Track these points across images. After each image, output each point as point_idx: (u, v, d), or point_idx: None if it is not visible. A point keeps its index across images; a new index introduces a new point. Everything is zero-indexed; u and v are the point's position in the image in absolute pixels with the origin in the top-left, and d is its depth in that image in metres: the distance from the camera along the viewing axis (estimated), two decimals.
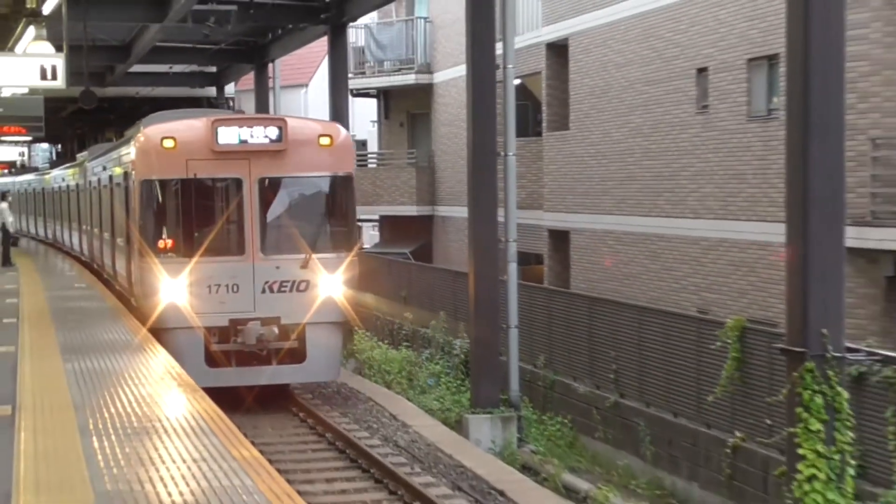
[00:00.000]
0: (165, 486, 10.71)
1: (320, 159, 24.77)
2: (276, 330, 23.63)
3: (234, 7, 36.57)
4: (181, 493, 10.43)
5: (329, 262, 24.51)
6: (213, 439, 12.76)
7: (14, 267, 39.91)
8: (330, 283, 24.32)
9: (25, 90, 28.01)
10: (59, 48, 25.14)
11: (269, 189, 24.60)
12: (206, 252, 23.66)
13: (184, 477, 11.01)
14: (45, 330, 22.09)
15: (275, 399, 26.48)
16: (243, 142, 23.67)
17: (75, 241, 44.29)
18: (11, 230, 46.31)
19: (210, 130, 23.49)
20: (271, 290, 23.95)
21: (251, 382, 24.33)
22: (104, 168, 34.07)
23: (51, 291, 30.78)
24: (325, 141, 24.62)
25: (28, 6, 25.02)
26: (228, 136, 23.47)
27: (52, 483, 10.90)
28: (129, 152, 25.82)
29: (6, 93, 30.06)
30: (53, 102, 36.68)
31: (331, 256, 24.72)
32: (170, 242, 23.96)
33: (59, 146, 64.54)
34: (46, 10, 25.27)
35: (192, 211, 24.08)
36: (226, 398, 20.20)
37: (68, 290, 31.63)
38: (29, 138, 47.27)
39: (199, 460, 11.76)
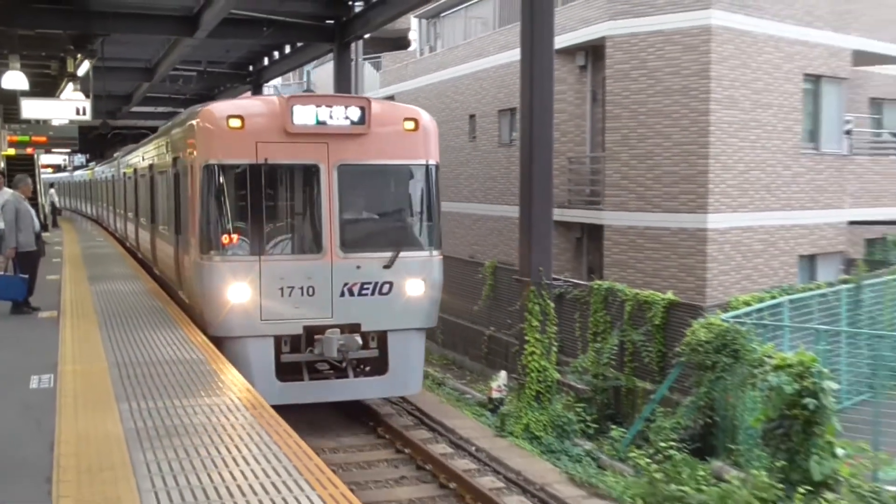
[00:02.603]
0: (152, 356, 10.67)
1: (405, 145, 14.93)
2: (358, 339, 13.92)
3: (194, 73, 36.01)
4: (159, 362, 10.38)
5: (414, 262, 14.62)
6: (179, 330, 12.70)
7: (60, 229, 38.78)
8: (415, 284, 14.53)
9: (66, 121, 27.26)
10: (87, 96, 24.59)
11: (350, 177, 14.38)
12: (277, 249, 14.09)
13: (160, 348, 10.95)
14: (78, 266, 21.60)
15: None
16: (321, 123, 13.89)
17: (110, 218, 36.97)
18: (58, 206, 46.03)
19: (284, 109, 13.72)
20: (351, 293, 14.05)
21: (326, 398, 14.48)
22: (143, 158, 23.25)
23: (83, 244, 30.00)
24: (409, 125, 14.90)
25: (69, 71, 24.62)
26: (305, 115, 13.78)
27: (82, 357, 10.82)
28: (185, 135, 15.48)
29: (56, 123, 29.28)
30: (84, 129, 35.66)
31: (416, 255, 14.74)
32: (235, 237, 13.94)
33: (88, 155, 62.81)
34: (80, 73, 24.78)
35: (262, 201, 13.90)
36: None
37: (94, 243, 30.85)
38: (69, 150, 46.19)
39: (172, 343, 11.69)
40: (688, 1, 23.51)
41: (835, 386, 12.54)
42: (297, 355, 13.92)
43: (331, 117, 13.88)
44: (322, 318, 13.80)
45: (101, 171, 41.42)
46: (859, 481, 12.41)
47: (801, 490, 11.32)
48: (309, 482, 6.48)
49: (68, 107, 23.81)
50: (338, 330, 13.71)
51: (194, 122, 14.37)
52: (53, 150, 40.57)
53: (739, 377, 14.83)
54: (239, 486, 6.40)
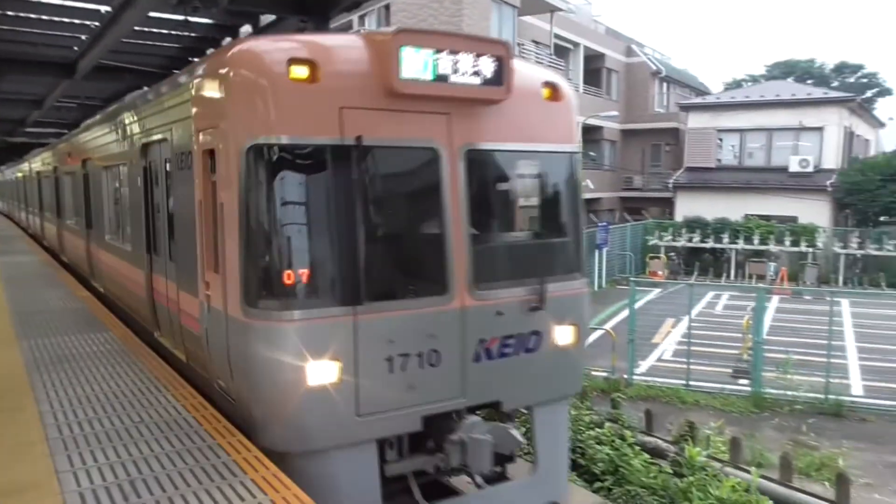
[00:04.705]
0: (44, 306, 9.50)
1: (549, 122, 4.42)
2: (517, 434, 4.61)
3: (74, 104, 32.41)
4: (50, 310, 9.28)
5: (564, 298, 4.81)
6: (66, 287, 11.38)
7: None
8: (565, 331, 4.89)
9: None
10: None
11: (482, 170, 4.24)
12: (380, 292, 3.95)
13: (51, 300, 9.78)
14: None
15: None
16: (440, 78, 3.75)
17: (21, 214, 27.25)
18: None
19: (383, 53, 3.61)
20: (488, 356, 4.35)
21: None
22: (68, 154, 13.71)
23: None
24: (546, 92, 4.57)
25: None
26: (417, 65, 3.63)
27: None
28: (191, 100, 4.37)
29: None
30: None
31: (566, 288, 4.93)
32: (304, 273, 3.47)
33: None
34: None
35: (355, 209, 3.63)
36: None
37: None
38: None
39: (61, 298, 10.46)
40: None
41: None
42: (404, 463, 5.22)
43: (455, 70, 4.80)
44: (448, 400, 5.11)
45: (10, 173, 35.10)
46: None
47: None
48: (166, 387, 6.02)
49: None
50: (477, 418, 5.21)
51: (222, 71, 4.71)
52: None
53: None
54: (114, 393, 5.85)
